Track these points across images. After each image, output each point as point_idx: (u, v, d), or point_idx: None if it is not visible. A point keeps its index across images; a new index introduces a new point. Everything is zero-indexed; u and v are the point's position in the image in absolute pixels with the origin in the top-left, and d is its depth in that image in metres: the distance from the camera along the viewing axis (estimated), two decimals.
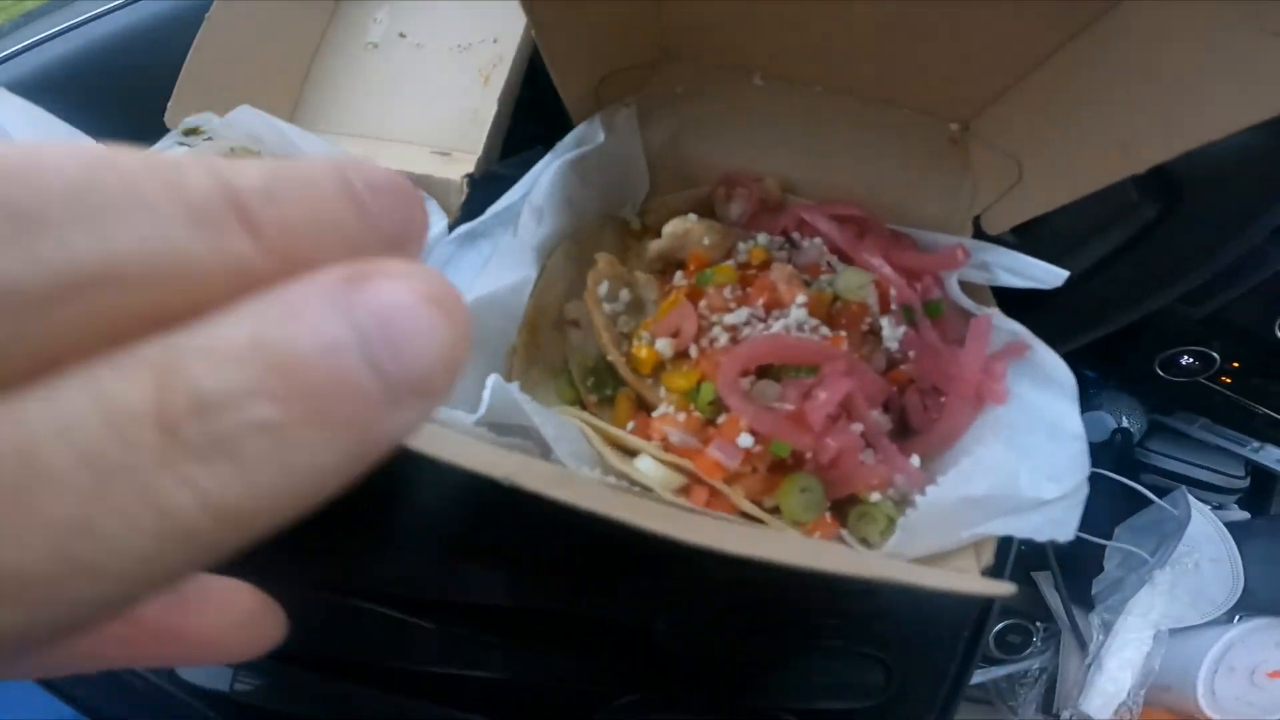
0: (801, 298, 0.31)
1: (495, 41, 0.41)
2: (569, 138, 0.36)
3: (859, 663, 0.32)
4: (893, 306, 0.32)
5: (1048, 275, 0.31)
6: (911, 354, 0.31)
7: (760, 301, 0.31)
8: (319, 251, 0.08)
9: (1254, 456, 0.79)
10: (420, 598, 0.32)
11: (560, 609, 0.32)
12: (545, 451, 0.30)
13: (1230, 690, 0.60)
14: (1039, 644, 0.74)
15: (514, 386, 0.28)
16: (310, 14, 0.45)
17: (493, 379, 0.28)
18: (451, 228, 0.35)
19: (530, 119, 0.42)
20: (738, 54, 0.38)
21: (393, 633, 0.31)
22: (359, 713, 0.32)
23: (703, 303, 0.32)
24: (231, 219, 0.07)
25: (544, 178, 0.34)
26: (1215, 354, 0.78)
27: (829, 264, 0.34)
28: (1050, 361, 0.29)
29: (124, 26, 0.48)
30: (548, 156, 0.35)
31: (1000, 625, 0.76)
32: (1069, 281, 0.32)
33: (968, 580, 0.25)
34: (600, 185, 0.37)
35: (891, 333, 0.32)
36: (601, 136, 0.36)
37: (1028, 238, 0.35)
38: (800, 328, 0.31)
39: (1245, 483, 0.81)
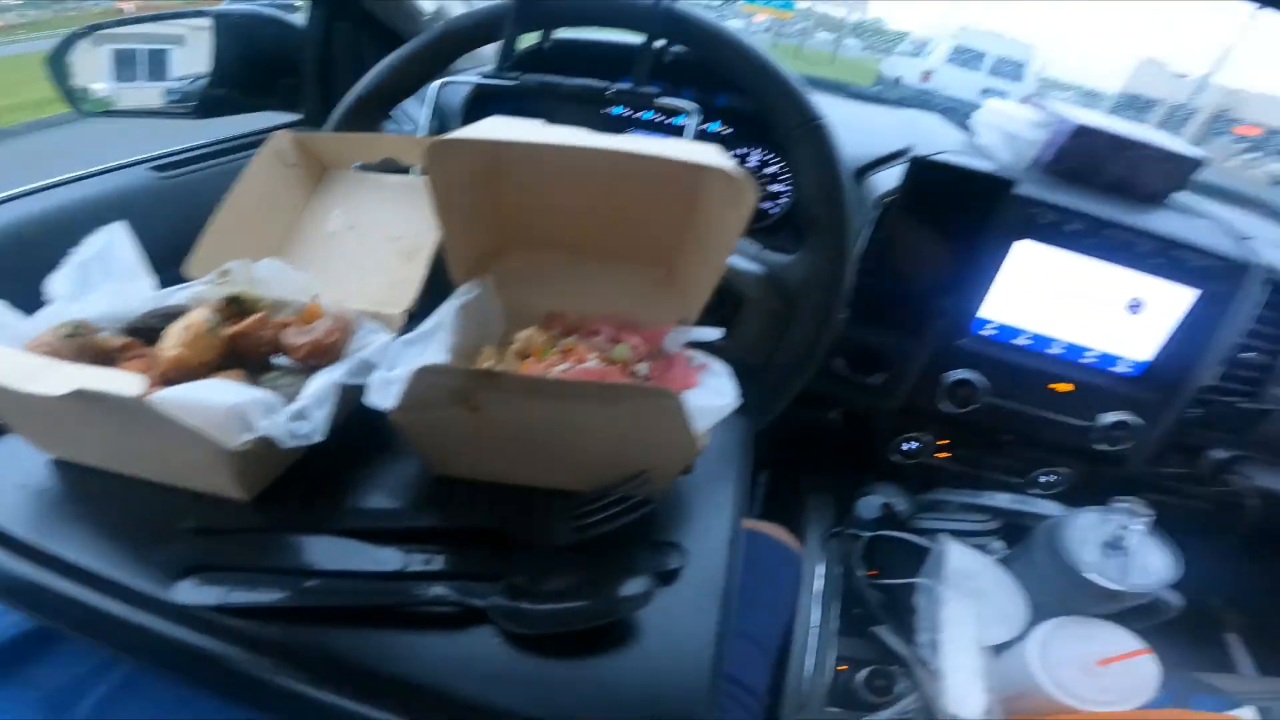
0: (593, 360, 0.57)
1: (416, 235, 0.61)
2: (458, 292, 0.62)
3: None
4: (642, 358, 0.58)
5: (708, 334, 0.60)
6: (652, 379, 0.57)
7: (573, 361, 0.57)
8: None
9: (989, 503, 1.06)
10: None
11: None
12: None
13: (1079, 682, 0.69)
14: (907, 684, 0.88)
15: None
16: (288, 206, 0.64)
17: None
18: None
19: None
20: (539, 240, 0.68)
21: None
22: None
23: (541, 366, 0.57)
24: None
25: (448, 311, 0.59)
26: (927, 437, 1.10)
27: (609, 342, 0.61)
28: (717, 369, 0.56)
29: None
30: (449, 300, 0.61)
31: (866, 672, 0.91)
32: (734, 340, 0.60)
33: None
34: (476, 323, 0.63)
35: (643, 369, 0.57)
36: (476, 292, 0.63)
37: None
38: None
39: (996, 525, 1.07)
